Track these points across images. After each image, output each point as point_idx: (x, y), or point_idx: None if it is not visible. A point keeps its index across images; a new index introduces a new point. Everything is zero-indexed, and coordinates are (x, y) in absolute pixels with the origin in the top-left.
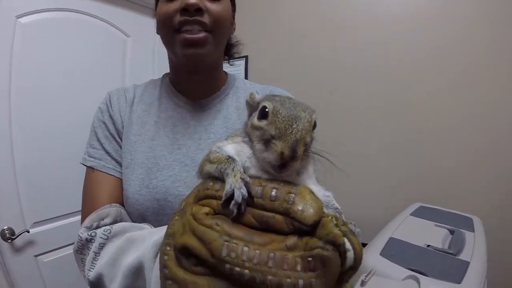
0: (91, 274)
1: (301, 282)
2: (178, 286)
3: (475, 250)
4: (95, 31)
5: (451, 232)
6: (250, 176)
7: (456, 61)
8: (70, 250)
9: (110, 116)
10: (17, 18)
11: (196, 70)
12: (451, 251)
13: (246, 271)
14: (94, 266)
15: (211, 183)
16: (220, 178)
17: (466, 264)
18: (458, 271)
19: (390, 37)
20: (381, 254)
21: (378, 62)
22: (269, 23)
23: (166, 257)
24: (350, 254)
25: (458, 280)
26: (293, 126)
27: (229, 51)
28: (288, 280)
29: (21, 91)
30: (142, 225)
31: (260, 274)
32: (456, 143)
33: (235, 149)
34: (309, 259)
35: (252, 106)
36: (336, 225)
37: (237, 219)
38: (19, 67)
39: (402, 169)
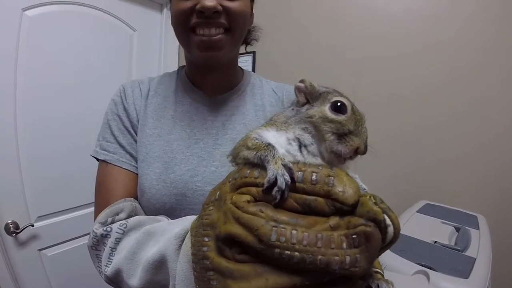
0: (109, 270)
1: (348, 258)
2: (221, 276)
3: (480, 246)
4: (101, 25)
5: (457, 229)
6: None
7: (460, 55)
8: (74, 244)
9: (125, 109)
10: (23, 10)
11: (212, 69)
12: (458, 248)
13: (296, 253)
14: (111, 262)
15: (248, 171)
16: (258, 165)
17: (472, 260)
18: (465, 266)
19: (399, 32)
20: (390, 249)
21: (383, 58)
22: (276, 19)
23: (205, 248)
24: (391, 229)
25: (466, 275)
26: (364, 125)
27: (246, 39)
28: (337, 258)
29: (26, 84)
30: (158, 217)
31: (310, 255)
32: (459, 141)
33: (274, 136)
34: (354, 236)
35: (311, 94)
36: (375, 203)
37: (279, 205)
38: (25, 60)
39: (406, 167)
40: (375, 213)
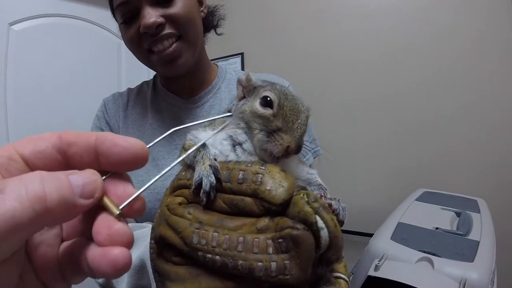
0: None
1: (273, 264)
2: (163, 277)
3: (483, 229)
4: (88, 35)
5: (458, 214)
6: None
7: (452, 48)
8: None
9: (107, 122)
10: (10, 25)
11: (181, 76)
12: (460, 232)
13: (217, 257)
14: None
15: (183, 173)
16: (192, 166)
17: (476, 244)
18: (469, 250)
19: (389, 28)
20: (391, 238)
21: (375, 55)
22: (263, 19)
23: (151, 250)
24: (324, 233)
25: (471, 258)
26: (299, 121)
27: (209, 24)
28: (260, 263)
29: (16, 97)
30: (144, 224)
31: (231, 259)
32: (454, 130)
33: (211, 135)
34: (280, 240)
35: (246, 88)
36: (307, 202)
37: (209, 206)
38: (14, 74)
39: (402, 157)
40: (306, 213)
